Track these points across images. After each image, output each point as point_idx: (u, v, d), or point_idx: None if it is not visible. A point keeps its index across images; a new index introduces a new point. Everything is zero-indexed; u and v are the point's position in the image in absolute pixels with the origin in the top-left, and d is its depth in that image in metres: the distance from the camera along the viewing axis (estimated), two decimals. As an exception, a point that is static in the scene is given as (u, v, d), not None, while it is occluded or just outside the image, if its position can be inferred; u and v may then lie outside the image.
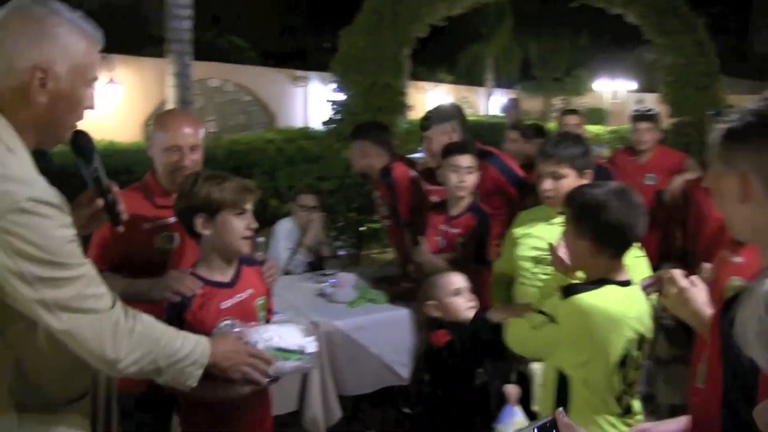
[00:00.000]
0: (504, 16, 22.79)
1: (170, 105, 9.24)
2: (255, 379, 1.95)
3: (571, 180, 2.62)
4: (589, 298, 2.01)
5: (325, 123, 7.41)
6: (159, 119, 2.57)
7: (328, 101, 7.56)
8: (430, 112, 3.92)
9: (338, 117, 7.73)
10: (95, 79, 1.60)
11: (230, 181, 2.14)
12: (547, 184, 2.68)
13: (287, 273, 4.13)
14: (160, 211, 2.47)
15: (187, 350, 1.70)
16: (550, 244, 2.36)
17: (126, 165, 5.32)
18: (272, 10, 24.62)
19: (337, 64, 7.70)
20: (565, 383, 2.12)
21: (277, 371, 2.01)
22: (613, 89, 25.79)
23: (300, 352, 2.04)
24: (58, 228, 1.43)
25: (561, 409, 1.20)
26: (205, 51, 13.47)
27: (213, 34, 16.10)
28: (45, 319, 1.43)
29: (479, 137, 4.09)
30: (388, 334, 3.27)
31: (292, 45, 23.85)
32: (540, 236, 2.74)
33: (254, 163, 6.04)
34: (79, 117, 1.59)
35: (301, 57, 20.17)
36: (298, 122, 14.62)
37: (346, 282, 3.53)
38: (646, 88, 23.02)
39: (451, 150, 3.32)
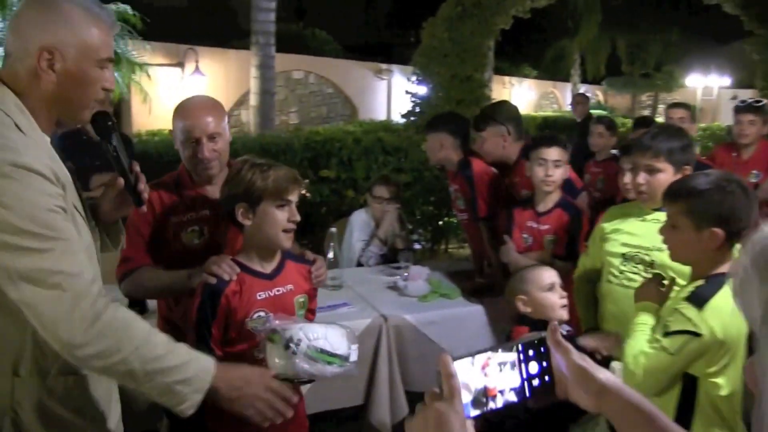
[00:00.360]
0: (592, 10, 22.09)
1: (253, 96, 9.40)
2: (269, 419, 1.73)
3: (668, 175, 2.43)
4: (721, 300, 1.88)
5: (404, 115, 7.34)
6: (176, 108, 2.35)
7: (407, 93, 7.48)
8: (487, 109, 3.77)
9: (418, 110, 7.66)
10: (108, 60, 1.61)
11: (275, 170, 2.06)
12: (641, 178, 2.50)
13: (360, 264, 4.08)
14: (188, 204, 2.37)
15: (176, 362, 1.52)
16: None
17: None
18: (356, 3, 24.72)
19: (419, 57, 7.62)
20: (690, 390, 1.98)
21: (315, 374, 1.90)
22: (705, 85, 24.62)
23: (344, 359, 1.92)
24: (38, 195, 1.40)
25: (556, 323, 1.11)
26: (289, 43, 13.62)
27: (297, 27, 16.27)
28: (2, 285, 1.39)
29: (562, 133, 3.92)
30: (459, 331, 3.16)
31: (375, 38, 23.92)
32: (631, 232, 2.58)
33: (331, 153, 6.00)
34: (93, 96, 1.60)
35: (384, 50, 20.17)
36: (380, 116, 14.60)
37: (418, 275, 3.44)
38: (741, 83, 21.91)
39: (538, 142, 3.17)
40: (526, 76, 22.84)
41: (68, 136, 4.49)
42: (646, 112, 25.25)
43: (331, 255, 3.50)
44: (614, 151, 4.61)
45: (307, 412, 2.99)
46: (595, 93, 26.54)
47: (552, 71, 24.66)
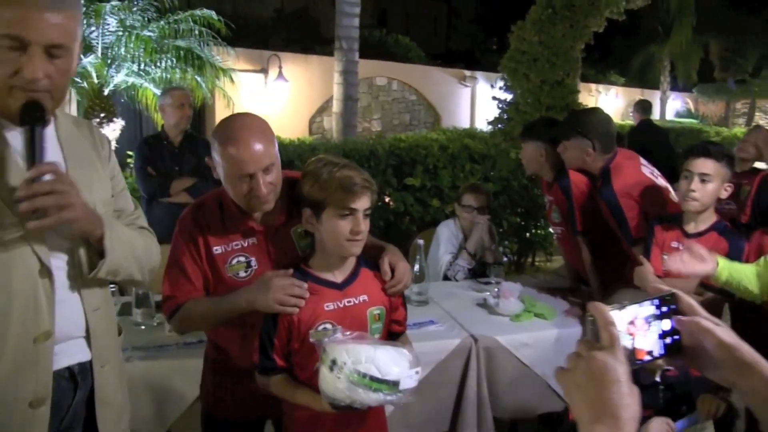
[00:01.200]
0: (685, 13, 21.09)
1: (336, 102, 9.34)
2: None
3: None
4: None
5: (490, 122, 7.10)
6: (220, 130, 1.98)
7: (494, 99, 7.22)
8: (574, 118, 3.47)
9: (505, 116, 7.40)
10: (10, 37, 1.39)
11: (342, 174, 1.87)
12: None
13: (446, 278, 3.88)
14: (234, 231, 2.08)
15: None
16: None
17: (288, 158, 5.30)
18: (439, 10, 24.54)
19: (507, 61, 7.36)
20: None
21: (355, 402, 1.73)
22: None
23: (393, 385, 1.72)
24: None
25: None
26: (372, 50, 13.58)
27: (380, 34, 16.21)
28: None
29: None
30: (555, 355, 2.90)
31: (458, 45, 23.67)
32: None
33: (416, 161, 5.82)
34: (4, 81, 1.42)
35: (467, 57, 19.91)
36: (463, 123, 14.36)
37: (510, 292, 3.20)
38: None
39: (688, 152, 2.83)
40: (612, 83, 22.05)
41: (148, 142, 4.50)
42: (741, 121, 24.01)
43: (417, 268, 3.32)
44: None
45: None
46: (685, 101, 25.44)
47: (640, 78, 23.73)
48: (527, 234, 6.46)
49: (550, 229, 3.94)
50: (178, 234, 2.09)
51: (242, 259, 2.06)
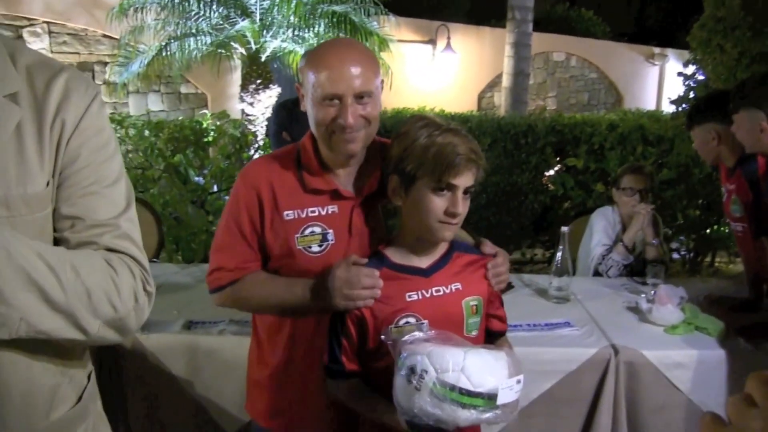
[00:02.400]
0: None
1: (506, 76, 8.84)
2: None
3: None
4: None
5: (674, 101, 6.25)
6: (310, 55, 1.65)
7: (679, 75, 6.36)
8: (747, 85, 2.66)
9: (693, 95, 6.50)
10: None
11: (442, 141, 1.50)
12: None
13: (597, 274, 3.36)
14: (311, 194, 1.70)
15: None
16: None
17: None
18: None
19: (697, 30, 6.41)
20: None
21: (441, 420, 1.35)
22: None
23: (488, 399, 1.34)
24: None
25: None
26: (553, 25, 12.81)
27: (563, 8, 15.27)
28: None
29: None
30: (716, 381, 2.35)
31: (652, 21, 21.87)
32: None
33: (580, 140, 5.23)
34: None
35: (660, 34, 18.30)
36: (648, 105, 13.20)
37: (669, 297, 2.64)
38: None
39: None
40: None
41: (286, 106, 4.33)
42: None
43: (559, 258, 2.85)
44: None
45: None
46: None
47: None
48: (707, 230, 5.62)
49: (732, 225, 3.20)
50: (240, 189, 1.73)
51: (317, 229, 1.69)
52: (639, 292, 2.95)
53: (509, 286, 3.02)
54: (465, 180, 1.51)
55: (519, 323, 2.58)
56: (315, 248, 1.69)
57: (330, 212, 1.70)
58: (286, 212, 1.69)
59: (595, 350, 2.38)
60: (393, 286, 1.59)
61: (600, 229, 3.46)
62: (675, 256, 5.53)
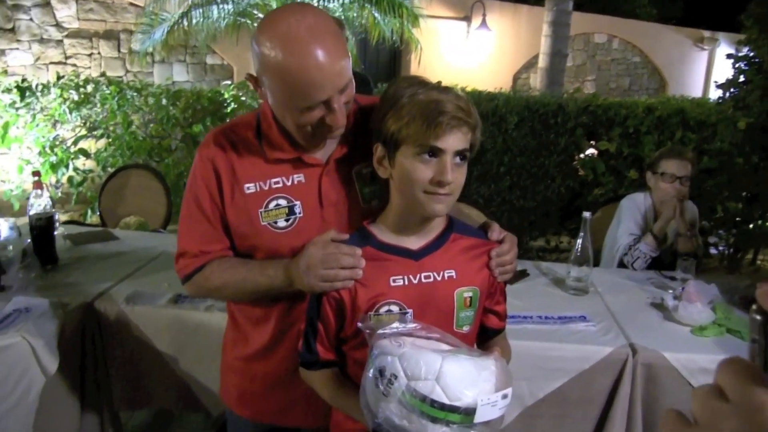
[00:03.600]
0: None
1: (542, 56, 8.52)
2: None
3: None
4: None
5: (720, 85, 5.89)
6: (269, 32, 1.34)
7: (729, 57, 5.96)
8: None
9: (742, 78, 6.11)
10: None
11: (425, 98, 1.30)
12: None
13: (622, 265, 3.11)
14: (274, 165, 1.52)
15: None
16: None
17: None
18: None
19: (754, 6, 5.98)
20: None
21: (405, 431, 1.16)
22: None
23: (463, 414, 1.14)
24: None
25: None
26: (595, 5, 12.36)
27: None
28: None
29: None
30: (749, 391, 2.10)
31: (698, 2, 21.07)
32: None
33: (613, 122, 4.94)
34: None
35: (708, 16, 17.62)
36: (694, 92, 12.68)
37: (699, 294, 2.40)
38: None
39: None
40: None
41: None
42: None
43: (579, 247, 2.63)
44: None
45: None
46: None
47: None
48: (749, 225, 5.27)
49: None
50: (197, 163, 1.56)
51: (282, 202, 1.50)
52: (666, 288, 2.71)
53: (523, 274, 2.81)
54: (454, 142, 1.29)
55: (530, 314, 2.37)
56: (281, 223, 1.50)
57: (296, 182, 1.51)
58: (246, 185, 1.50)
59: (611, 349, 2.15)
60: (377, 268, 1.39)
61: (629, 216, 3.21)
62: (712, 251, 5.22)
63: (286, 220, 1.51)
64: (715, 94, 7.89)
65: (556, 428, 2.20)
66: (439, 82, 1.36)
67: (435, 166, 1.30)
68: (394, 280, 1.38)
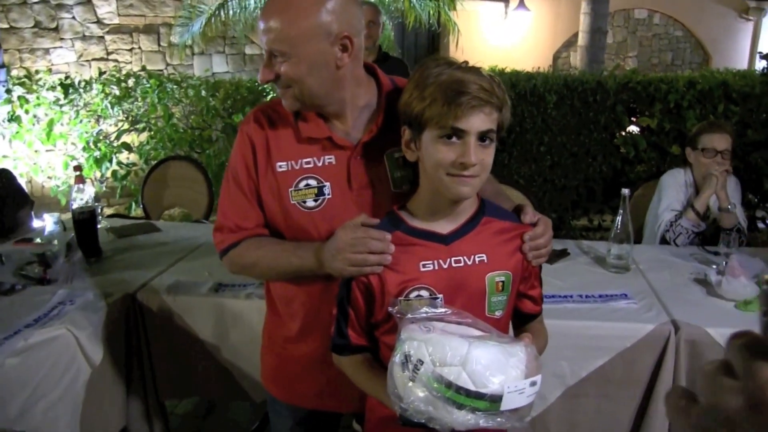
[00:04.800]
0: None
1: (582, 35, 8.37)
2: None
3: None
4: None
5: (765, 56, 5.72)
6: None
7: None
8: None
9: (787, 49, 5.94)
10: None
11: (447, 78, 1.28)
12: None
13: (664, 242, 3.06)
14: (305, 146, 1.54)
15: None
16: None
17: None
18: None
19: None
20: None
21: (432, 420, 1.15)
22: None
23: (489, 401, 1.13)
24: None
25: None
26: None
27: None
28: None
29: None
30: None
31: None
32: None
33: (654, 97, 4.82)
34: None
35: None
36: (739, 65, 12.32)
37: (743, 268, 2.35)
38: None
39: None
40: None
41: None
42: None
43: (619, 223, 2.59)
44: None
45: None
46: None
47: None
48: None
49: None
50: (238, 138, 1.60)
51: (312, 182, 1.52)
52: (709, 263, 2.66)
53: (564, 253, 2.78)
54: (476, 123, 1.28)
55: (570, 294, 2.35)
56: (310, 203, 1.53)
57: (326, 163, 1.53)
58: (279, 163, 1.53)
59: (654, 326, 2.13)
60: (406, 252, 1.39)
61: (670, 192, 3.15)
62: (760, 225, 5.09)
63: (315, 200, 1.53)
64: (760, 65, 7.66)
65: (599, 408, 2.18)
66: (466, 62, 1.35)
67: (458, 148, 1.29)
68: (424, 265, 1.38)
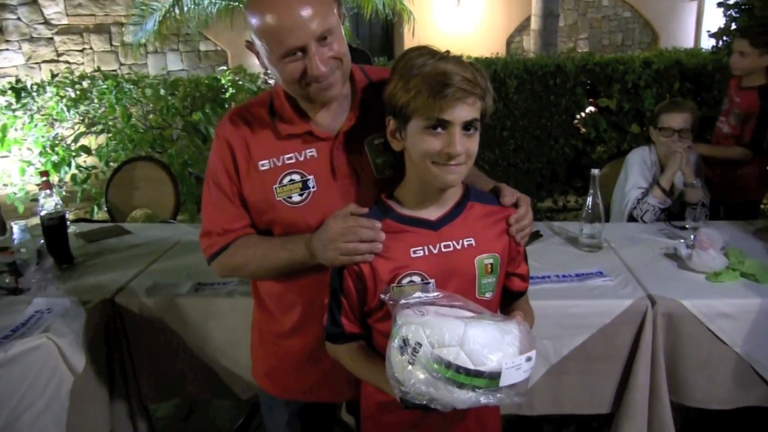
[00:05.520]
0: None
1: (534, 18, 8.47)
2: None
3: None
4: None
5: (712, 35, 5.87)
6: (251, 7, 1.42)
7: (719, 5, 5.93)
8: None
9: (733, 26, 6.09)
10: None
11: (432, 70, 1.31)
12: None
13: (632, 219, 3.14)
14: (286, 141, 1.55)
15: None
16: None
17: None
18: None
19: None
20: None
21: (434, 400, 1.19)
22: None
23: (488, 378, 1.17)
24: None
25: None
26: (583, -39, 12.24)
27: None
28: None
29: None
30: (764, 332, 2.14)
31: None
32: None
33: (613, 79, 4.93)
34: None
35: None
36: (685, 44, 12.61)
37: (709, 242, 2.43)
38: None
39: None
40: None
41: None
42: None
43: (589, 203, 2.65)
44: None
45: (533, 413, 2.30)
46: None
47: None
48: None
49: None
50: (215, 144, 1.60)
51: (296, 177, 1.54)
52: (677, 238, 2.73)
53: (536, 235, 2.83)
54: (461, 113, 1.31)
55: (547, 274, 2.40)
56: (296, 198, 1.54)
57: (308, 156, 1.54)
58: (261, 162, 1.54)
59: (631, 301, 2.18)
60: (397, 239, 1.41)
61: (636, 171, 3.24)
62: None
63: (300, 195, 1.54)
64: (707, 43, 7.87)
65: (582, 384, 2.24)
66: (447, 52, 1.37)
67: (443, 138, 1.32)
68: (414, 251, 1.40)
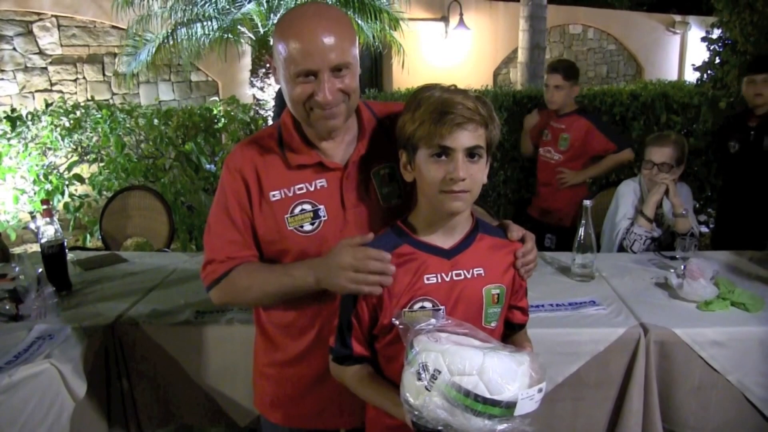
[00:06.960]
0: None
1: (521, 51, 8.62)
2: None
3: None
4: None
5: (697, 68, 6.01)
6: (282, 20, 1.51)
7: (703, 39, 6.08)
8: None
9: (718, 60, 6.24)
10: None
11: (436, 99, 1.38)
12: None
13: (622, 250, 3.20)
14: (297, 172, 1.60)
15: None
16: None
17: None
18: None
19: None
20: None
21: (447, 425, 1.22)
22: None
23: (504, 408, 1.21)
24: None
25: None
26: (569, -4, 12.52)
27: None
28: None
29: None
30: (756, 361, 2.19)
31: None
32: None
33: (600, 111, 5.03)
34: None
35: (677, 1, 17.83)
36: (669, 76, 12.87)
37: (700, 271, 2.49)
38: None
39: None
40: None
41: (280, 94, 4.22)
42: None
43: (582, 234, 2.70)
44: None
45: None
46: None
47: None
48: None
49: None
50: (225, 176, 1.64)
51: (307, 207, 1.58)
52: (668, 267, 2.79)
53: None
54: (462, 140, 1.36)
55: (541, 303, 2.44)
56: (307, 227, 1.58)
57: (318, 187, 1.59)
58: (272, 193, 1.59)
59: (624, 330, 2.23)
60: (411, 264, 1.45)
61: (625, 201, 3.31)
62: (704, 229, 5.32)
63: (312, 224, 1.58)
64: (690, 76, 8.03)
65: (576, 411, 2.27)
66: (454, 86, 1.43)
67: (446, 165, 1.37)
68: (428, 278, 1.45)
